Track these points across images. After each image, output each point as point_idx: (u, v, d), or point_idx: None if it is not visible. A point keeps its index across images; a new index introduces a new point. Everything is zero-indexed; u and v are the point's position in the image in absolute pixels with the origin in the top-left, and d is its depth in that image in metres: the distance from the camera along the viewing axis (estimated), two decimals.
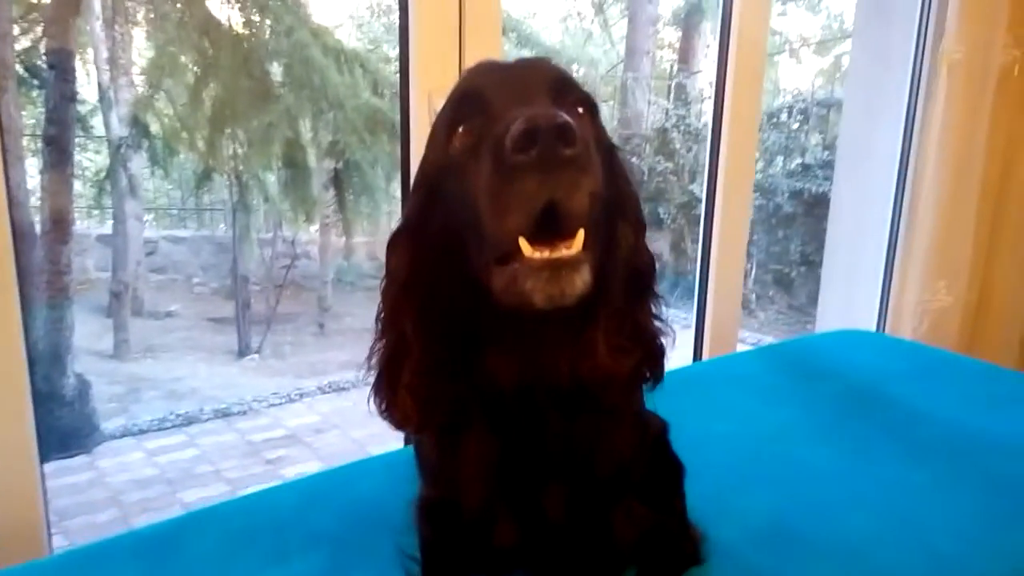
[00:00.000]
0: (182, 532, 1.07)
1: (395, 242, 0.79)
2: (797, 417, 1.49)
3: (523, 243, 0.62)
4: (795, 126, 7.70)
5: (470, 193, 0.67)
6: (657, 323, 0.81)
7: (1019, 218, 2.16)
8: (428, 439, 0.88)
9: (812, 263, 7.03)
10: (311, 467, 4.20)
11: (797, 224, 7.30)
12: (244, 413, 5.04)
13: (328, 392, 5.42)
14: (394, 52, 7.10)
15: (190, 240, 7.09)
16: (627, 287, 0.78)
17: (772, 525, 1.09)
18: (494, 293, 0.67)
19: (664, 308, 0.83)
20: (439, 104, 0.79)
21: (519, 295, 0.63)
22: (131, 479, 4.15)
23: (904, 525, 1.10)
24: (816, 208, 6.90)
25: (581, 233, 0.63)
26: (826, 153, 7.12)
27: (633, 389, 0.83)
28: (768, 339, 6.24)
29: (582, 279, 0.63)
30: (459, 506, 0.83)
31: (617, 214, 0.76)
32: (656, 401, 1.02)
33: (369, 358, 0.81)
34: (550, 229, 0.61)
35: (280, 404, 5.23)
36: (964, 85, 2.08)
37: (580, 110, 0.72)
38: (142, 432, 4.75)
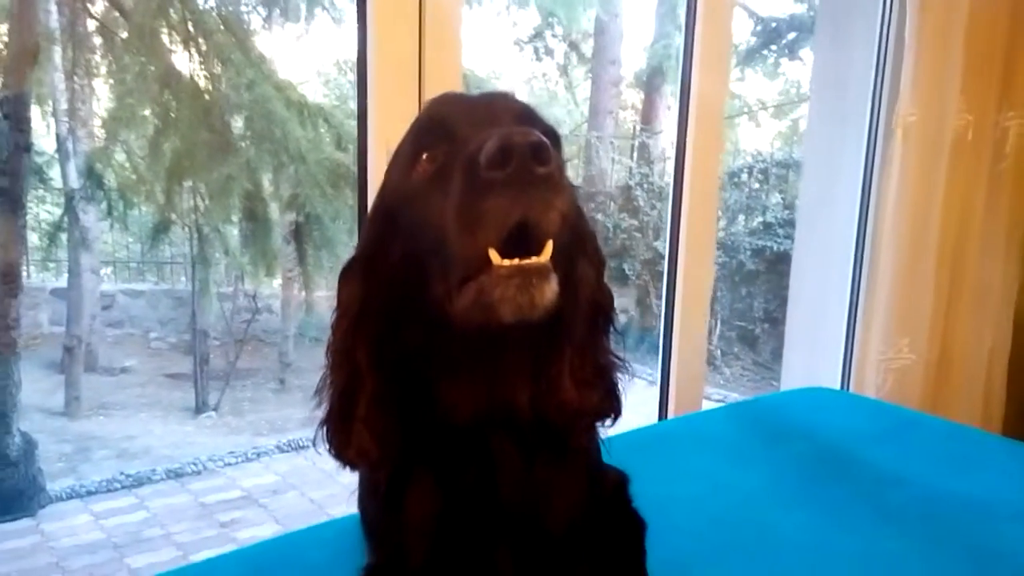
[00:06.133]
0: None
1: (347, 274, 0.78)
2: (765, 480, 1.45)
3: (493, 254, 0.61)
4: (756, 185, 7.84)
5: (435, 216, 0.66)
6: (615, 359, 0.81)
7: (976, 277, 2.17)
8: (373, 499, 0.84)
9: (775, 320, 7.09)
10: (266, 530, 4.05)
11: (760, 281, 7.38)
12: (198, 473, 4.85)
13: (287, 451, 5.24)
14: None
15: (149, 294, 6.94)
16: (588, 322, 0.78)
17: None
18: (457, 315, 0.66)
19: (621, 345, 0.83)
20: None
21: (486, 307, 0.63)
22: (77, 544, 3.95)
23: None
24: (778, 265, 6.99)
25: (549, 244, 0.63)
26: (786, 212, 7.24)
27: (595, 426, 0.82)
28: (734, 395, 6.25)
29: (551, 288, 0.63)
30: (404, 572, 0.78)
31: (577, 251, 0.76)
32: (622, 461, 0.98)
33: (318, 391, 0.78)
34: (520, 247, 0.62)
35: (236, 463, 5.04)
36: (919, 148, 2.10)
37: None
38: (90, 494, 4.54)
